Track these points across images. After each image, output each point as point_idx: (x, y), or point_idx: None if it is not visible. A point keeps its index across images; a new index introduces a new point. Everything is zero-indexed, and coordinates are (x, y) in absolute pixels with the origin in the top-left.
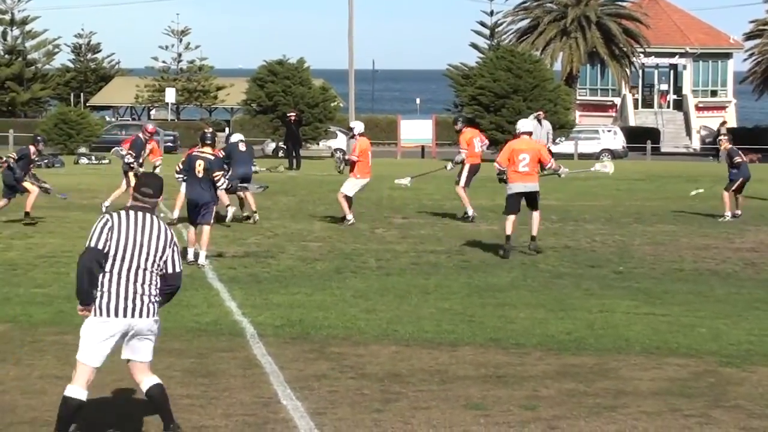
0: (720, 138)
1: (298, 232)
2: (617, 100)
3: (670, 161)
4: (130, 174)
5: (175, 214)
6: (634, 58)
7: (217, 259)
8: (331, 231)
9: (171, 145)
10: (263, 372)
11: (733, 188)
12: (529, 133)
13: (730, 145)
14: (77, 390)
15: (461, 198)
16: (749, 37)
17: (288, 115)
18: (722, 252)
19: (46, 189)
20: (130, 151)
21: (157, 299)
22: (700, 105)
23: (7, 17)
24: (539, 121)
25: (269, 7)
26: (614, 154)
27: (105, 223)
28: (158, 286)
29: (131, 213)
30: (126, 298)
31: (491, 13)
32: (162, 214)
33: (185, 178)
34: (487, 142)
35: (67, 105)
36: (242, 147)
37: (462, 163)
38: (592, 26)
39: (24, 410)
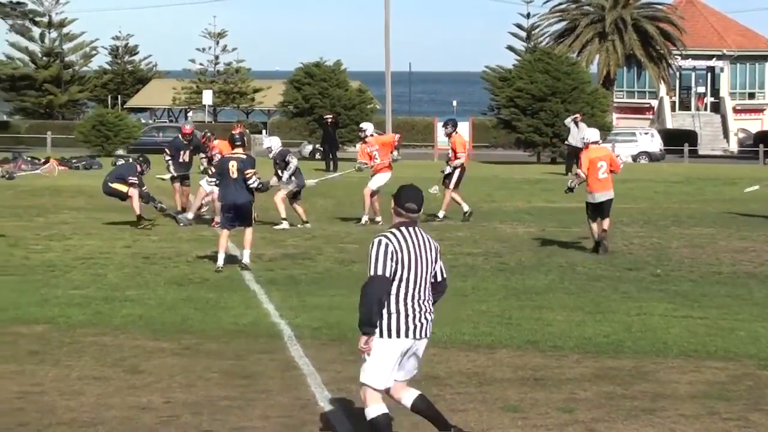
0: None
1: (336, 234)
2: (654, 103)
3: (707, 164)
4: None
5: (190, 216)
6: (671, 61)
7: (254, 261)
8: (368, 233)
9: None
10: (301, 374)
11: None
12: (597, 142)
13: None
14: (377, 407)
15: (456, 200)
16: None
17: (325, 117)
18: (761, 255)
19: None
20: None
21: (433, 315)
22: (738, 107)
23: (45, 19)
24: (576, 123)
25: (306, 9)
26: (651, 157)
27: (386, 248)
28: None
29: (404, 231)
30: (414, 318)
31: (528, 16)
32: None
33: (218, 182)
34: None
35: (104, 107)
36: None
37: (461, 167)
38: (629, 28)
39: (63, 411)
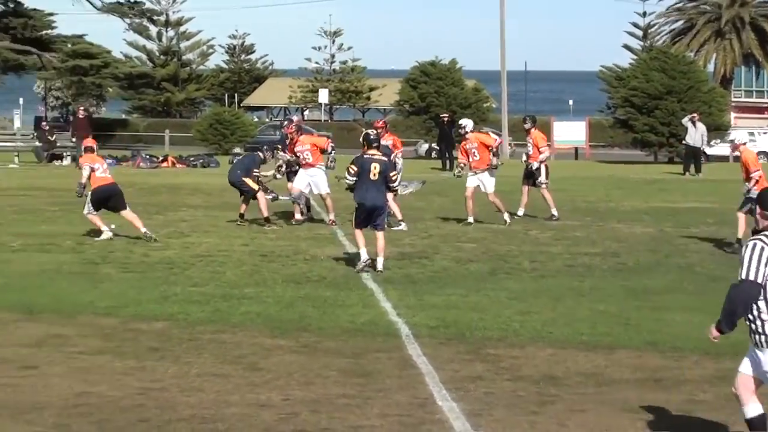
0: None
1: (452, 233)
2: None
3: None
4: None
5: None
6: None
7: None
8: (485, 232)
9: None
10: (419, 373)
11: None
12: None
13: None
14: (753, 407)
15: (522, 199)
16: None
17: (441, 116)
18: None
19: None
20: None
21: None
22: None
23: (162, 18)
24: (693, 123)
25: (421, 7)
26: None
27: (761, 252)
28: None
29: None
30: None
31: (644, 15)
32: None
33: (353, 182)
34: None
35: (221, 105)
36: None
37: (545, 161)
38: (747, 27)
39: (183, 408)
